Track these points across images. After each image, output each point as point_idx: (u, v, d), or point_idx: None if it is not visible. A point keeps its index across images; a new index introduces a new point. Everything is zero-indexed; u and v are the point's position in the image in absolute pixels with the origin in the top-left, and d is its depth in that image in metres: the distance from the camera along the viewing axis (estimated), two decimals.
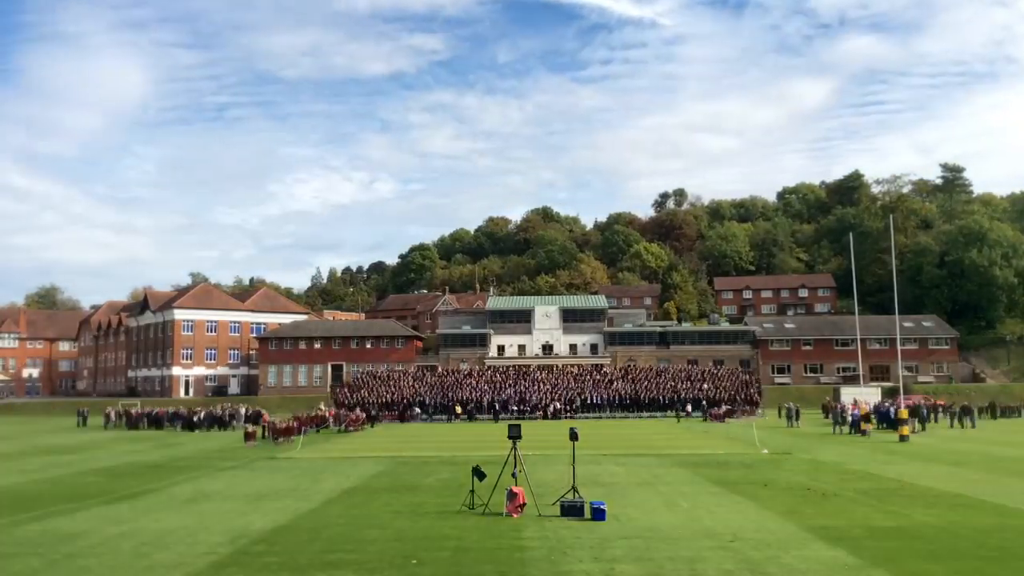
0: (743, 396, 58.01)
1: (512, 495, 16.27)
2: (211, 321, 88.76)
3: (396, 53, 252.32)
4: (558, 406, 56.71)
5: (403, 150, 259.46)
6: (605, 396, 58.12)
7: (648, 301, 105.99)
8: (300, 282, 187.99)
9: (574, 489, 16.99)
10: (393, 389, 59.61)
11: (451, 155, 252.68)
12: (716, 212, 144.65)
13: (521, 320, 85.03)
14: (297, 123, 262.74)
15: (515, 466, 16.93)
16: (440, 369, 70.31)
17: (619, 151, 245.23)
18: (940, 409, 51.46)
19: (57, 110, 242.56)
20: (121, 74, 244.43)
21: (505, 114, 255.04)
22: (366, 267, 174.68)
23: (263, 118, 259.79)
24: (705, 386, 58.91)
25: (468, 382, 60.55)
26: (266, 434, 40.01)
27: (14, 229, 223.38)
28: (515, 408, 56.47)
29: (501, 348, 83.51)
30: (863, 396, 53.55)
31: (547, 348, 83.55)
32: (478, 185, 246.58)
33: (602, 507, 15.83)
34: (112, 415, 57.61)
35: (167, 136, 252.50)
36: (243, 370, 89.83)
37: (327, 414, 49.03)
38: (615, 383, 59.68)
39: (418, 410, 56.66)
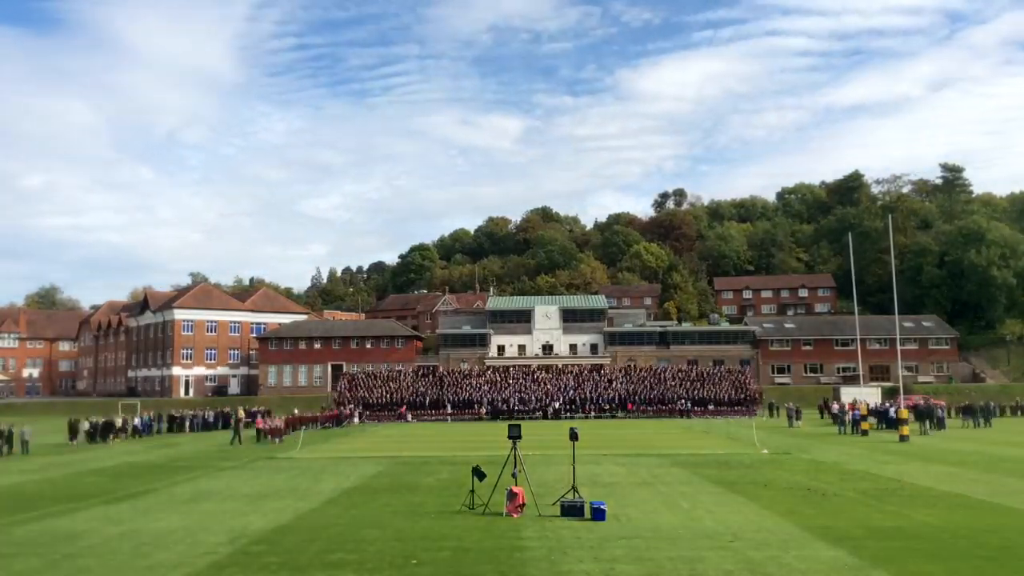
0: (743, 396, 58.04)
1: (512, 495, 16.26)
2: (211, 321, 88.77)
3: None
4: (557, 406, 56.75)
5: None
6: (605, 396, 58.12)
7: (648, 301, 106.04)
8: (300, 282, 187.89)
9: (574, 489, 16.99)
10: (392, 389, 59.59)
11: None
12: (716, 212, 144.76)
13: (521, 320, 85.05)
14: None
15: (515, 466, 16.92)
16: (440, 369, 70.32)
17: None
18: (953, 409, 51.06)
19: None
20: None
21: None
22: (366, 267, 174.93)
23: None
24: (705, 386, 58.95)
25: (468, 382, 60.58)
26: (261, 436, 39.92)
27: None
28: (515, 408, 56.49)
29: (501, 348, 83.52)
30: (863, 396, 53.53)
31: (547, 348, 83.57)
32: None
33: (602, 507, 15.83)
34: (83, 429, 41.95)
35: None
36: (243, 370, 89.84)
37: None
38: (615, 383, 59.68)
39: (405, 410, 56.74)
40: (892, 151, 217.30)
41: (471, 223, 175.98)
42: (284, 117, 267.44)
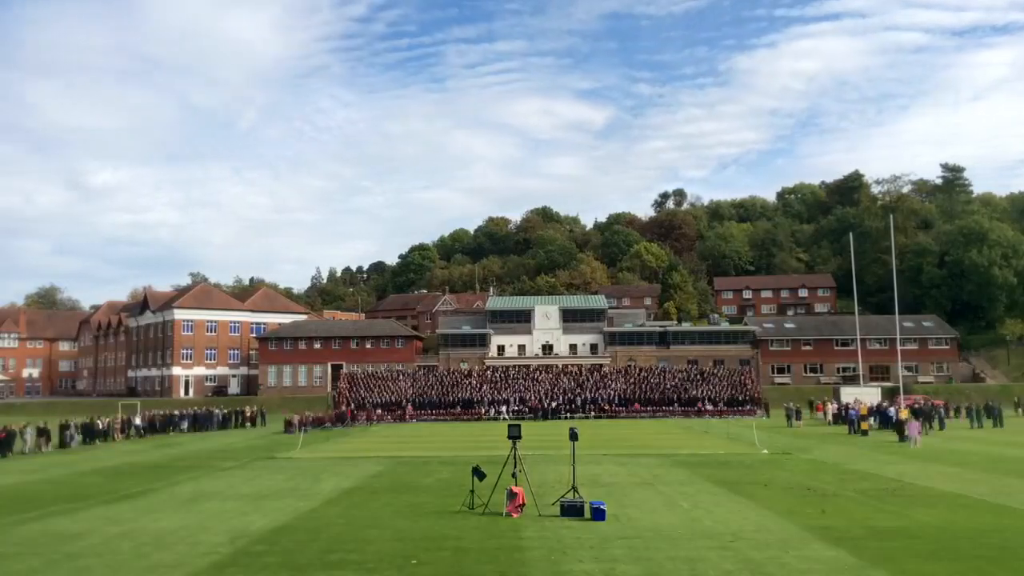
0: (743, 396, 58.03)
1: (512, 495, 16.27)
2: (211, 321, 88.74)
3: None
4: (555, 406, 56.76)
5: None
6: (605, 396, 58.12)
7: (648, 301, 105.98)
8: (300, 282, 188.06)
9: (574, 489, 16.99)
10: (391, 389, 59.61)
11: None
12: (716, 212, 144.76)
13: (521, 320, 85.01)
14: None
15: (515, 466, 16.93)
16: (440, 369, 70.31)
17: None
18: (961, 409, 50.81)
19: None
20: None
21: None
22: (366, 267, 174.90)
23: None
24: (705, 386, 58.94)
25: (468, 382, 60.58)
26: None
27: None
28: (515, 408, 56.50)
29: (501, 348, 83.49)
30: (864, 396, 53.53)
31: (547, 348, 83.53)
32: None
33: (602, 507, 15.83)
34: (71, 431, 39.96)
35: None
36: (243, 370, 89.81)
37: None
38: (615, 383, 59.67)
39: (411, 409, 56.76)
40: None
41: None
42: (352, 103, 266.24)
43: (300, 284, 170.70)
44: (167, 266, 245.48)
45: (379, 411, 56.53)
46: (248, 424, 54.49)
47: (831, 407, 49.28)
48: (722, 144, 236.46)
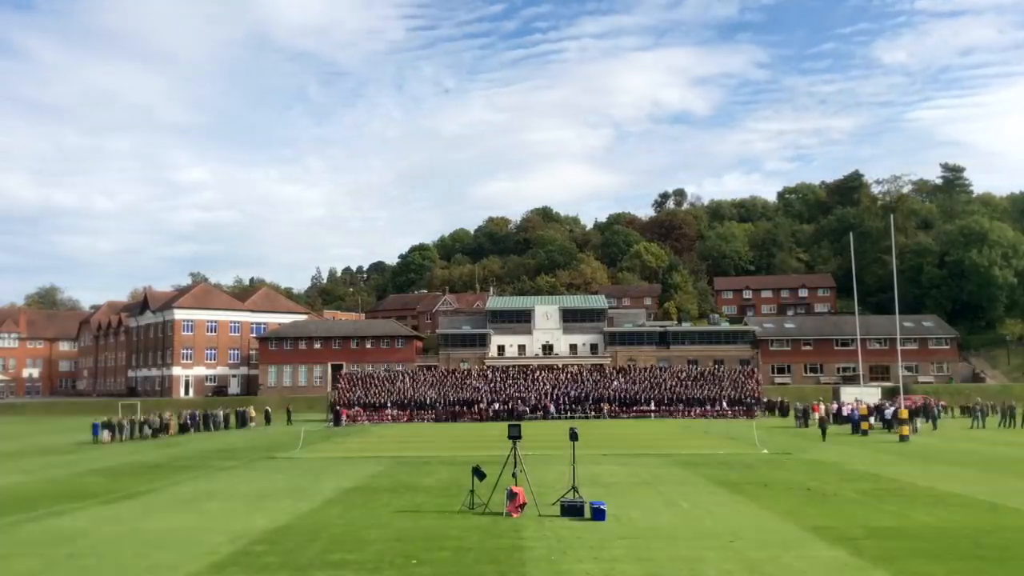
0: (743, 396, 57.99)
1: (512, 495, 16.27)
2: (211, 321, 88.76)
3: None
4: (555, 406, 56.72)
5: None
6: (605, 396, 58.09)
7: (648, 301, 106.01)
8: (300, 282, 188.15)
9: (574, 489, 17.00)
10: (391, 389, 59.58)
11: None
12: (716, 212, 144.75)
13: (521, 320, 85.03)
14: None
15: (515, 466, 16.93)
16: (440, 369, 70.29)
17: None
18: (986, 408, 50.25)
19: None
20: None
21: None
22: (366, 267, 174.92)
23: None
24: (705, 386, 58.91)
25: (468, 382, 60.57)
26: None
27: None
28: (515, 408, 56.45)
29: (501, 348, 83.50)
30: (864, 396, 53.52)
31: (547, 348, 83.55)
32: None
33: (602, 507, 15.83)
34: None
35: None
36: (243, 370, 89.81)
37: None
38: (615, 383, 59.66)
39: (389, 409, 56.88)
40: None
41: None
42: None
43: (300, 284, 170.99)
44: (225, 263, 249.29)
45: (375, 411, 56.53)
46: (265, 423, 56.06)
47: (831, 407, 49.20)
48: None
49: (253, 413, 55.51)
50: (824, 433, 36.92)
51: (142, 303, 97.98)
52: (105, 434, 41.88)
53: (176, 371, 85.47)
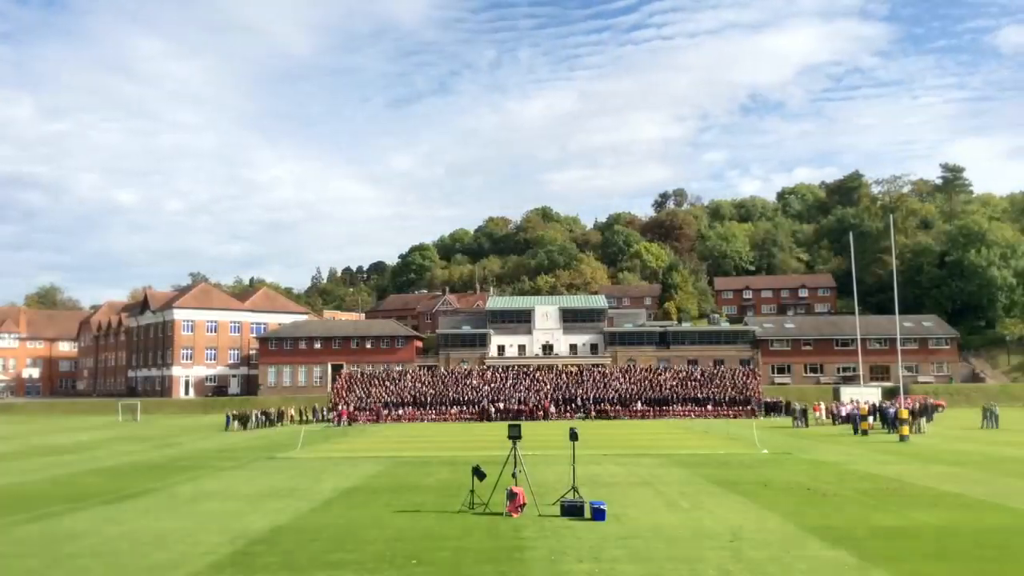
0: (743, 396, 57.99)
1: (512, 495, 16.27)
2: (211, 321, 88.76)
3: None
4: (555, 406, 56.70)
5: None
6: (605, 396, 58.09)
7: (648, 301, 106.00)
8: (300, 282, 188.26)
9: (574, 489, 17.00)
10: (390, 389, 59.56)
11: None
12: (716, 212, 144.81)
13: (521, 320, 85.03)
14: None
15: (515, 466, 16.93)
16: (440, 369, 70.29)
17: None
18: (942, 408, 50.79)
19: None
20: None
21: None
22: (366, 267, 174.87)
23: None
24: (705, 386, 58.90)
25: (468, 382, 60.55)
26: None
27: None
28: (515, 408, 56.46)
29: (501, 348, 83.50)
30: (864, 396, 53.56)
31: (547, 348, 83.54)
32: None
33: (602, 507, 15.83)
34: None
35: None
36: (243, 370, 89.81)
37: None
38: (615, 383, 59.66)
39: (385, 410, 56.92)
40: None
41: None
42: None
43: (300, 284, 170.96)
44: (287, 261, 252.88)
45: (372, 411, 56.54)
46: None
47: (831, 407, 49.23)
48: None
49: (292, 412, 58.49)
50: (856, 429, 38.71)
51: (142, 303, 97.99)
52: (235, 424, 49.91)
53: (176, 371, 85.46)
